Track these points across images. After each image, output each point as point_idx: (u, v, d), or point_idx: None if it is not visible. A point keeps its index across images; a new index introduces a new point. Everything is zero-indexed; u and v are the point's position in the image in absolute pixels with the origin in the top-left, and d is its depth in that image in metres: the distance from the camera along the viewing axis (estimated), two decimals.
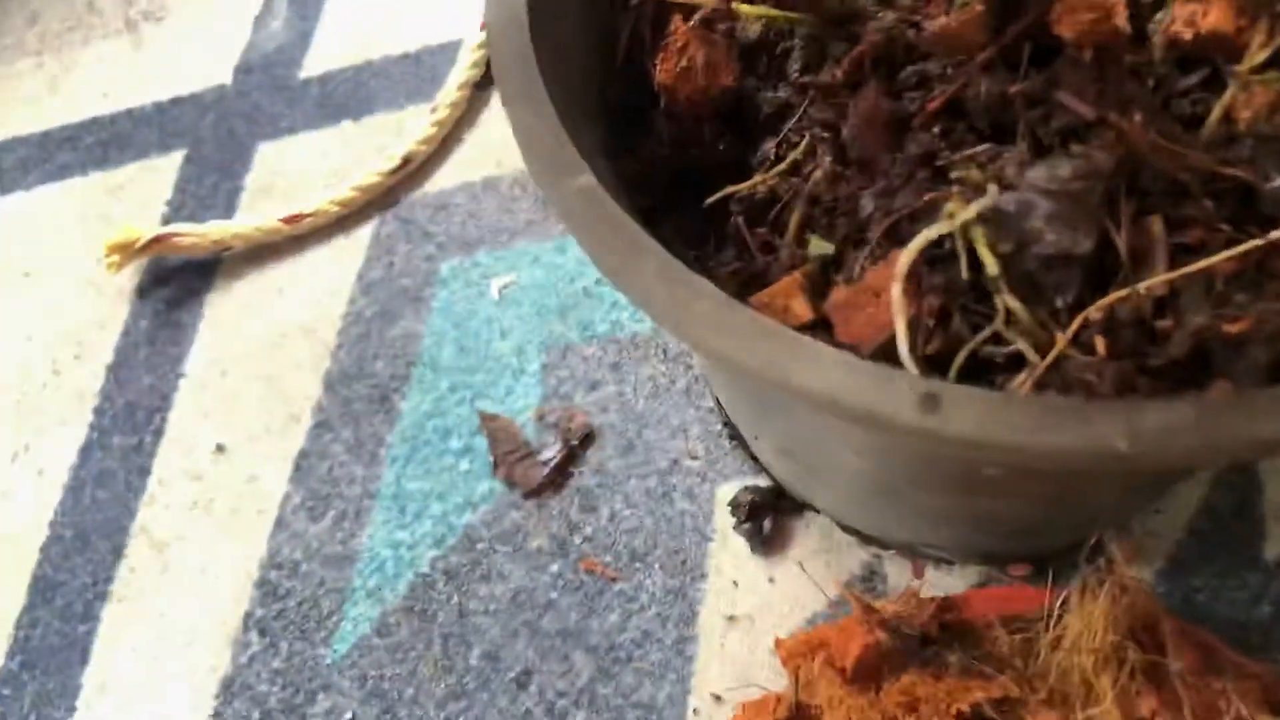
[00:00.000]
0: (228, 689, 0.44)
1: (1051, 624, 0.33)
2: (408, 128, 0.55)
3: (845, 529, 0.43)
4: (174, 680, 0.44)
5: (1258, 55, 0.26)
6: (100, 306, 0.53)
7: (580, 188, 0.26)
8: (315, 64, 0.59)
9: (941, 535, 0.38)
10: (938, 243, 0.28)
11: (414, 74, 0.57)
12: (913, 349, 0.25)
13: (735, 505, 0.43)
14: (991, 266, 0.25)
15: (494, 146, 0.54)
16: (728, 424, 0.46)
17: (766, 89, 0.32)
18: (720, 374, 0.34)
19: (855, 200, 0.29)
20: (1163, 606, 0.34)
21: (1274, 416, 0.22)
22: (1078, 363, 0.25)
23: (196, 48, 0.60)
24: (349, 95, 0.57)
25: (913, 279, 0.27)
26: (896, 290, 0.25)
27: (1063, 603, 0.33)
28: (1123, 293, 0.25)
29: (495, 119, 0.55)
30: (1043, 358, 0.26)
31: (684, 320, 0.24)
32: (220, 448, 0.49)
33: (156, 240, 0.51)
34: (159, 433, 0.49)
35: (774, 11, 0.32)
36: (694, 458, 0.46)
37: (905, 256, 0.25)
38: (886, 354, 0.27)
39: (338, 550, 0.46)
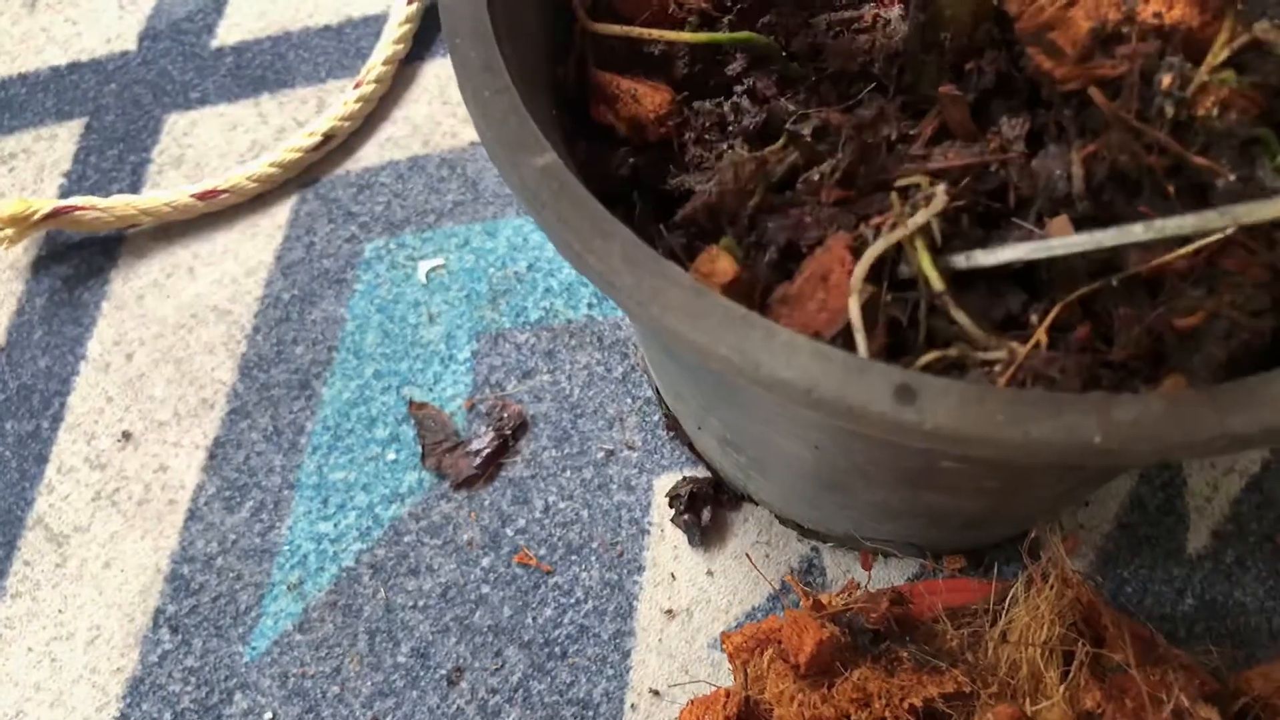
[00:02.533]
0: (135, 689, 0.41)
1: (997, 617, 0.33)
2: (329, 103, 0.53)
3: (784, 521, 0.42)
4: (75, 682, 0.41)
5: (1220, 54, 0.27)
6: None
7: (543, 166, 0.25)
8: (229, 33, 0.56)
9: (883, 528, 0.38)
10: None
11: (336, 47, 0.55)
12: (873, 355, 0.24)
13: (674, 497, 0.43)
14: (936, 282, 0.25)
15: (421, 125, 0.52)
16: (666, 414, 0.45)
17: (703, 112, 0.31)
18: (673, 364, 0.33)
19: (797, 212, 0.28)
20: (1103, 599, 0.34)
21: (1243, 410, 0.22)
22: (1042, 357, 0.25)
23: (98, 11, 0.56)
24: (266, 67, 0.54)
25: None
26: (854, 308, 0.24)
27: (1008, 596, 0.33)
28: (1080, 292, 0.25)
29: (421, 96, 0.53)
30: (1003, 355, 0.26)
31: (653, 307, 0.23)
32: (126, 435, 0.46)
33: (55, 214, 0.47)
34: (57, 419, 0.46)
35: (719, 36, 0.31)
36: (631, 448, 0.45)
37: (859, 269, 0.25)
38: (843, 341, 0.27)
39: (256, 543, 0.43)
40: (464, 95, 0.26)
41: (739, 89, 0.33)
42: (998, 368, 0.25)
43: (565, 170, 0.24)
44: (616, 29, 0.32)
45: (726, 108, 0.32)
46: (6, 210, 0.47)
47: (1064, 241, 0.25)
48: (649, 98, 0.32)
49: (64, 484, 0.45)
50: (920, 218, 0.26)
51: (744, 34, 0.32)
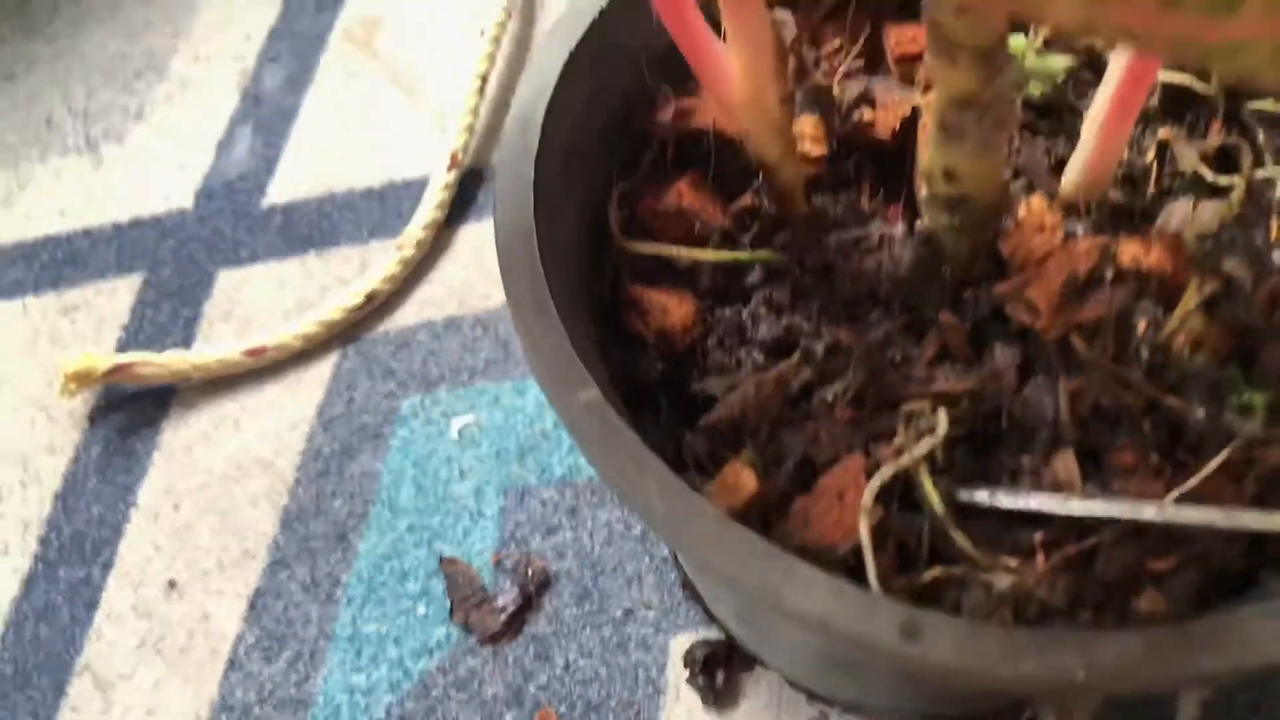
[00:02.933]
0: None
1: None
2: (371, 263, 0.57)
3: (794, 686, 0.44)
4: None
5: (1191, 300, 0.30)
6: (49, 431, 0.52)
7: (586, 401, 0.28)
8: (279, 193, 0.60)
9: (887, 699, 0.41)
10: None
11: (378, 209, 0.59)
12: (883, 581, 0.27)
13: (690, 659, 0.45)
14: (937, 506, 0.28)
15: (457, 286, 0.56)
16: (682, 575, 0.47)
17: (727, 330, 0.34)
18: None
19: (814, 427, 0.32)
20: None
21: (1215, 650, 0.24)
22: (1034, 577, 0.28)
23: (158, 170, 0.60)
24: (312, 226, 0.58)
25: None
26: (864, 532, 0.27)
27: None
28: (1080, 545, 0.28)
29: (458, 259, 0.57)
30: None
31: (684, 536, 0.26)
32: (172, 583, 0.48)
33: (115, 370, 0.51)
34: (108, 565, 0.49)
35: (740, 255, 0.35)
36: (648, 607, 0.47)
37: (866, 496, 0.28)
38: (855, 558, 0.30)
39: (292, 693, 0.46)
40: (516, 328, 0.29)
41: (757, 299, 0.36)
42: (996, 589, 0.28)
43: (607, 405, 0.28)
44: (648, 248, 0.35)
45: (745, 316, 0.36)
46: (72, 367, 0.50)
47: (1082, 506, 0.28)
48: (676, 310, 0.35)
49: (111, 631, 0.47)
50: (924, 447, 0.29)
51: (762, 253, 0.36)
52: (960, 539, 0.28)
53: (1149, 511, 0.27)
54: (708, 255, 0.35)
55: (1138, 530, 0.28)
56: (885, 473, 0.29)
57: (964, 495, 0.29)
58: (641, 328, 0.35)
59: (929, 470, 0.29)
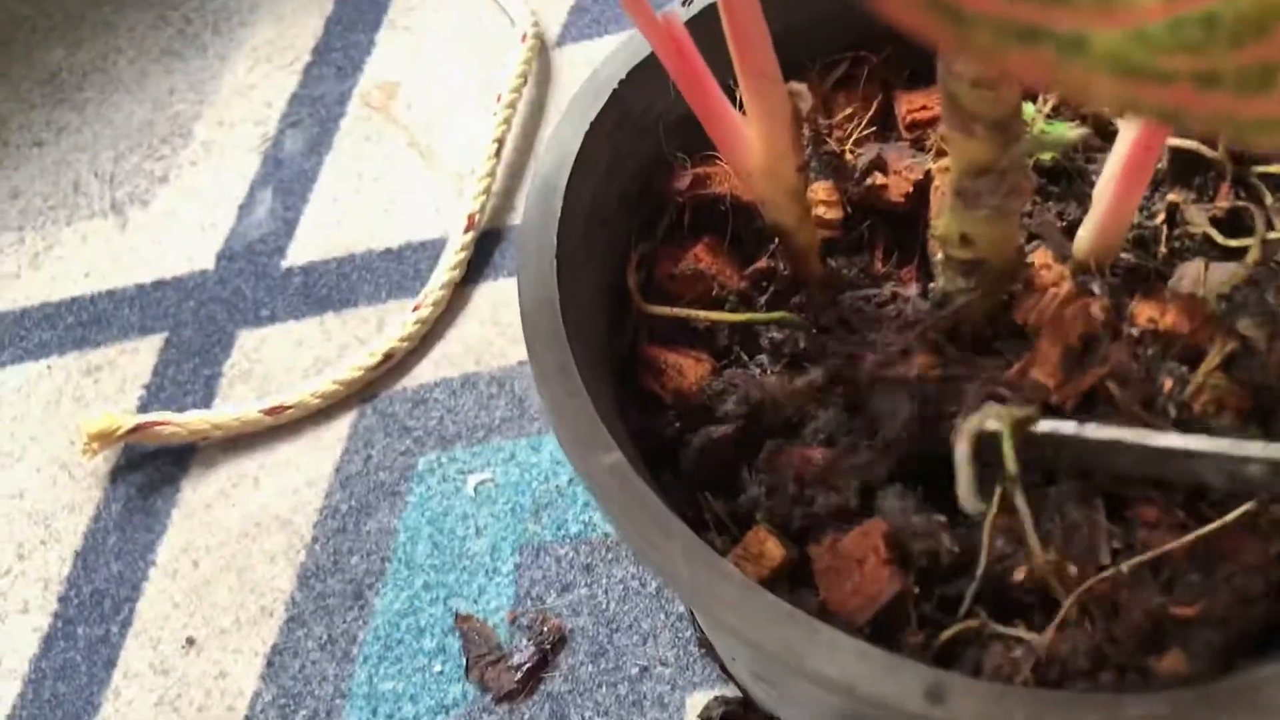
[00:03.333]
0: None
1: None
2: (388, 322, 0.58)
3: None
4: None
5: (1214, 359, 0.30)
6: (70, 490, 0.53)
7: (609, 465, 0.28)
8: (298, 254, 0.61)
9: None
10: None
11: (396, 269, 0.60)
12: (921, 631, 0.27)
13: (706, 717, 0.45)
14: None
15: (473, 344, 0.57)
16: (698, 633, 0.47)
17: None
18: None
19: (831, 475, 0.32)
20: None
21: (1237, 714, 0.24)
22: (1057, 638, 0.28)
23: (181, 232, 0.62)
24: (331, 287, 0.59)
25: (894, 553, 0.30)
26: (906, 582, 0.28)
27: None
28: (1090, 582, 0.28)
29: (474, 316, 0.58)
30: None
31: (709, 601, 0.26)
32: (190, 641, 0.49)
33: (137, 429, 0.51)
34: (126, 624, 0.49)
35: (756, 316, 0.35)
36: (664, 665, 0.47)
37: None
38: (876, 623, 0.30)
39: None
40: (541, 395, 0.30)
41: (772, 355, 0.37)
42: (1017, 652, 0.28)
43: (630, 469, 0.28)
44: (666, 311, 0.36)
45: (755, 370, 0.36)
46: (95, 427, 0.51)
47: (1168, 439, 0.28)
48: (691, 370, 0.36)
49: (129, 689, 0.47)
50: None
51: (778, 314, 0.36)
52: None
53: (1253, 448, 0.27)
54: (725, 317, 0.36)
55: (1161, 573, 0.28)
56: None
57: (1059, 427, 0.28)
58: (658, 388, 0.36)
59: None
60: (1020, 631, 0.29)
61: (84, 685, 0.48)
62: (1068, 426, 0.29)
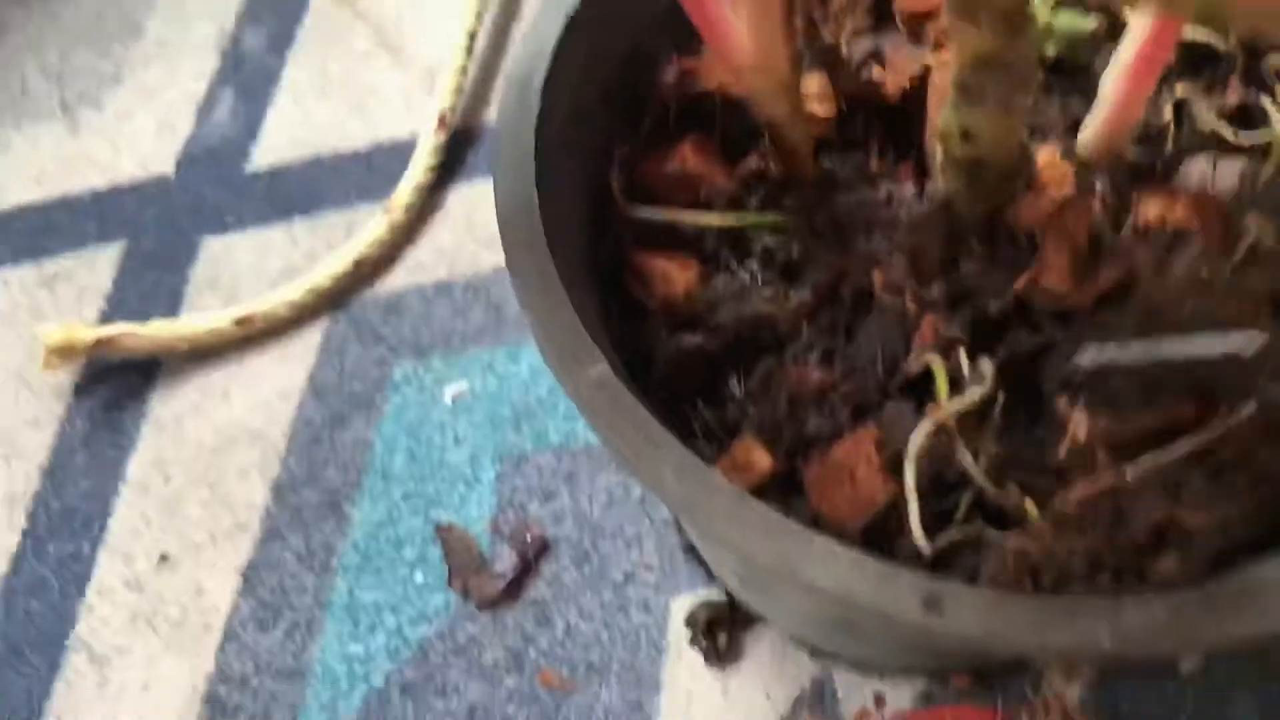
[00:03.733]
0: None
1: None
2: (358, 227, 0.56)
3: (797, 643, 0.44)
4: None
5: (1238, 254, 0.29)
6: (33, 405, 0.51)
7: (595, 376, 0.27)
8: (262, 157, 0.58)
9: (892, 658, 0.41)
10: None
11: (365, 172, 0.58)
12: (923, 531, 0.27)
13: (691, 621, 0.45)
14: (974, 470, 0.28)
15: (447, 250, 0.55)
16: (683, 538, 0.47)
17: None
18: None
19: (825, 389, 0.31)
20: None
21: (1240, 616, 0.24)
22: (1056, 543, 0.28)
23: (136, 135, 0.59)
24: (298, 191, 0.57)
25: (888, 459, 0.30)
26: (910, 482, 0.27)
27: None
28: (1093, 486, 0.28)
29: (447, 222, 0.56)
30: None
31: (700, 514, 0.26)
32: (164, 557, 0.48)
33: (100, 342, 0.50)
34: (98, 540, 0.48)
35: (747, 218, 0.34)
36: (649, 570, 0.47)
37: (909, 473, 0.27)
38: (871, 531, 0.30)
39: (289, 664, 0.45)
40: (521, 304, 0.28)
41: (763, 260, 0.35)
42: (1015, 556, 0.28)
43: (616, 380, 0.27)
44: (652, 213, 0.35)
45: (745, 278, 0.35)
46: (55, 340, 0.49)
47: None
48: (679, 277, 0.34)
49: (104, 606, 0.47)
50: (953, 406, 0.29)
51: (768, 217, 0.35)
52: (1013, 495, 0.28)
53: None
54: (713, 220, 0.35)
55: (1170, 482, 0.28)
56: (918, 438, 0.28)
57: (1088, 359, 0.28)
58: (643, 295, 0.35)
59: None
60: (1016, 537, 0.28)
61: (57, 602, 0.47)
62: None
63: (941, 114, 0.29)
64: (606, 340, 0.32)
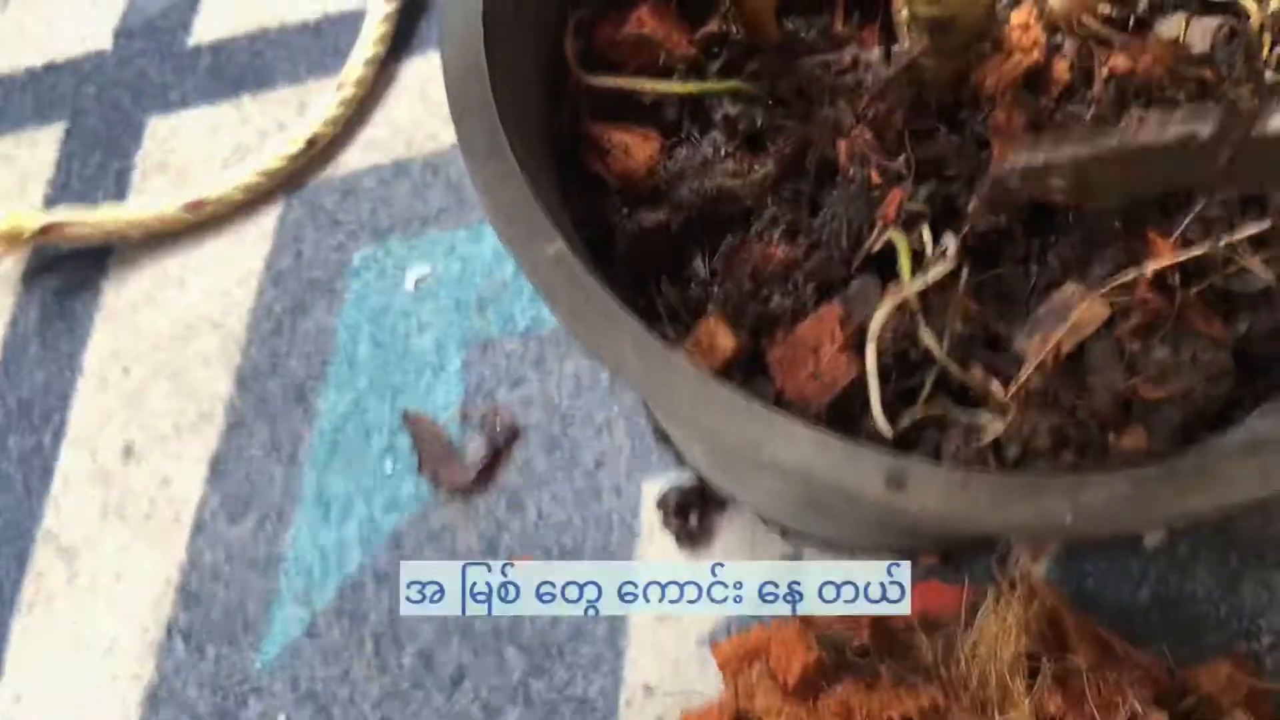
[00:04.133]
0: (153, 697, 0.43)
1: (969, 626, 0.36)
2: (310, 104, 0.53)
3: (768, 523, 0.44)
4: (95, 689, 0.43)
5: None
6: None
7: (552, 254, 0.26)
8: (205, 30, 0.55)
9: (862, 537, 0.41)
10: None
11: (315, 45, 0.55)
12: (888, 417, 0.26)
13: (663, 504, 0.45)
14: (937, 349, 0.27)
15: (403, 127, 0.53)
16: (654, 423, 0.47)
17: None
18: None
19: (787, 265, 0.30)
20: (1064, 603, 0.37)
21: (1200, 490, 0.24)
22: (1020, 420, 0.27)
23: (70, 8, 0.56)
24: (244, 66, 0.54)
25: (851, 338, 0.29)
26: (871, 363, 0.26)
27: (978, 606, 0.36)
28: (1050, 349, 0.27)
29: (403, 96, 0.54)
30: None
31: (663, 394, 0.25)
32: (128, 449, 0.47)
33: (46, 230, 0.48)
34: (59, 434, 0.47)
35: (707, 85, 0.32)
36: (619, 453, 0.47)
37: (870, 352, 0.26)
38: (835, 410, 0.29)
39: (261, 553, 0.45)
40: (473, 181, 0.27)
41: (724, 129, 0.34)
42: (979, 434, 0.27)
43: (574, 259, 0.26)
44: (609, 82, 0.33)
45: (708, 149, 0.34)
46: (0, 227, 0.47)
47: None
48: (639, 149, 0.33)
49: (70, 499, 0.46)
50: (916, 284, 0.28)
51: (730, 83, 0.33)
52: (976, 375, 0.27)
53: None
54: (673, 88, 0.33)
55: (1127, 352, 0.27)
56: (881, 314, 0.27)
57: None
58: (602, 169, 0.33)
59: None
60: (981, 415, 0.28)
61: (22, 496, 0.46)
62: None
63: None
64: (566, 218, 0.30)
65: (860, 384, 0.29)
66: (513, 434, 0.47)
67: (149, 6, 0.56)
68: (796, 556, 0.44)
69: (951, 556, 0.44)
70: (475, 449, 0.46)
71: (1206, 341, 0.29)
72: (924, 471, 0.24)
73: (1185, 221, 0.29)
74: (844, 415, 0.29)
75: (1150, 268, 0.28)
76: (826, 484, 0.24)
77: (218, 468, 0.47)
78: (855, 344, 0.29)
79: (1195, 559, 0.44)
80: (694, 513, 0.45)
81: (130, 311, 0.49)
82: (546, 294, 0.26)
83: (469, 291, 0.50)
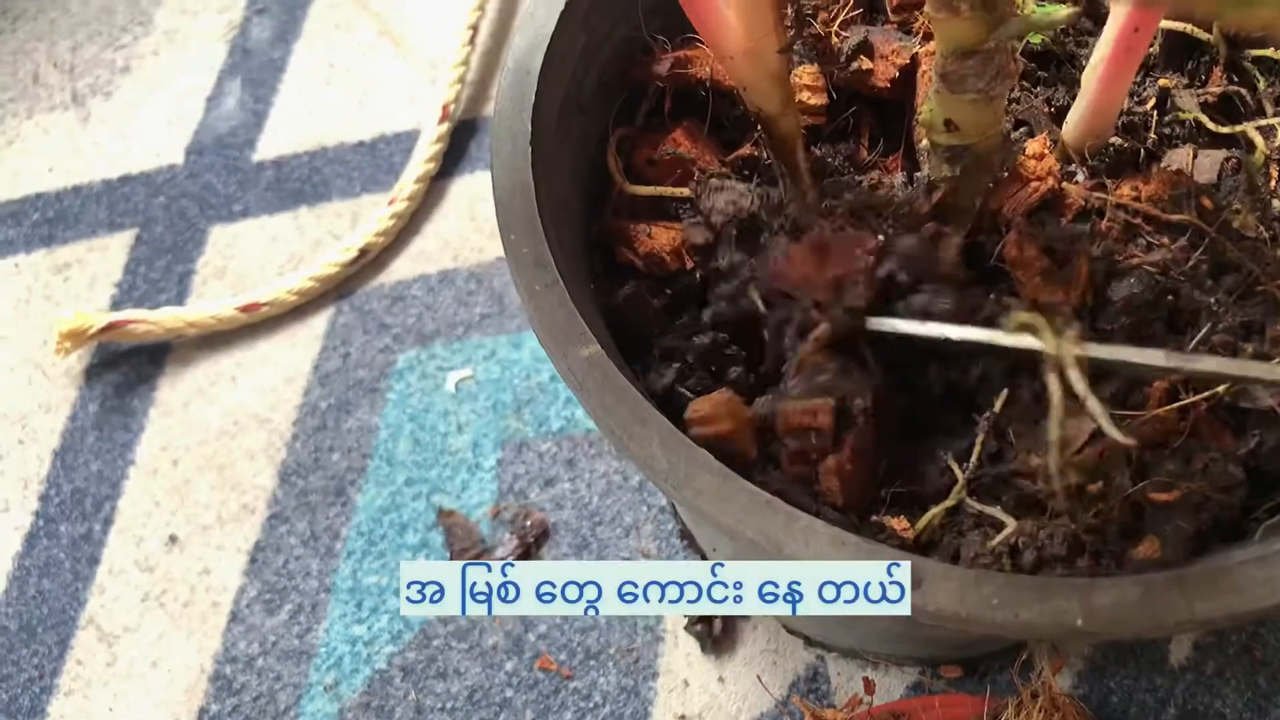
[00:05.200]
0: None
1: None
2: (364, 217, 0.56)
3: (791, 631, 0.45)
4: None
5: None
6: (46, 389, 0.52)
7: (588, 357, 0.28)
8: (269, 147, 0.59)
9: (884, 646, 0.41)
10: None
11: (369, 162, 0.58)
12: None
13: None
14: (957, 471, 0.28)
15: (450, 240, 0.56)
16: (680, 525, 0.48)
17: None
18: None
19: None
20: (1087, 717, 0.37)
21: (1209, 597, 0.25)
22: (1035, 526, 0.28)
23: (147, 125, 0.60)
24: (304, 181, 0.58)
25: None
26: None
27: (999, 717, 0.36)
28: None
29: (451, 212, 0.57)
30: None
31: (687, 490, 0.26)
32: (172, 538, 0.49)
33: (109, 327, 0.51)
34: (108, 521, 0.49)
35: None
36: (647, 556, 0.48)
37: None
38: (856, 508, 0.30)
39: (294, 645, 0.46)
40: (517, 287, 0.29)
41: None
42: (995, 540, 0.28)
43: (608, 361, 0.28)
44: (649, 190, 0.35)
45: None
46: (66, 326, 0.50)
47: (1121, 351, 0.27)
48: (662, 234, 0.35)
49: (114, 585, 0.48)
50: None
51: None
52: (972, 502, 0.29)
53: (1158, 356, 0.26)
54: None
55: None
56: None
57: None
58: (631, 256, 0.35)
59: None
60: (997, 512, 0.29)
61: (69, 582, 0.48)
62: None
63: (925, 103, 0.29)
64: (599, 317, 0.32)
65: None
66: (543, 532, 0.48)
67: (219, 125, 0.60)
68: (820, 665, 0.45)
69: (975, 669, 0.44)
70: (506, 547, 0.47)
71: (1218, 454, 0.30)
72: (940, 571, 0.25)
73: (1193, 342, 0.31)
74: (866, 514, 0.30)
75: (1160, 385, 0.30)
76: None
77: (257, 558, 0.48)
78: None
79: (1222, 678, 0.44)
80: (718, 618, 0.45)
81: (183, 406, 0.52)
82: (580, 392, 0.27)
83: (506, 394, 0.52)
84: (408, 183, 0.56)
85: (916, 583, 0.25)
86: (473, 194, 0.57)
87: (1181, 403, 0.30)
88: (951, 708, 0.39)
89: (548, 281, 0.29)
